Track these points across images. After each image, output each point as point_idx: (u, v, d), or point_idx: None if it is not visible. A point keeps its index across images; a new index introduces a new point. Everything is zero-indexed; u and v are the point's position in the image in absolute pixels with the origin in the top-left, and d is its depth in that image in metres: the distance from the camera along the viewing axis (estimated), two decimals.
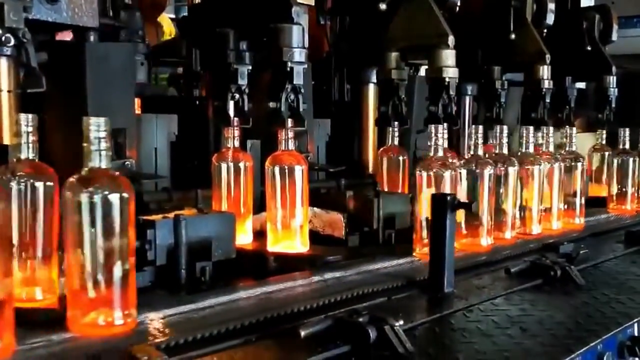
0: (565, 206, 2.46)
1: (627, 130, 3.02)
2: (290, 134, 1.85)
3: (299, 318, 1.31)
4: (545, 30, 3.13)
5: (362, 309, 1.31)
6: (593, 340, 1.39)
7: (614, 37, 3.28)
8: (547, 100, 2.98)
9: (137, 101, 2.10)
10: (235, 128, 1.94)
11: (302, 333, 1.20)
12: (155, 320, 1.25)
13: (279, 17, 1.98)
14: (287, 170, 1.83)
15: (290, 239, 1.84)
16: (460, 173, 1.92)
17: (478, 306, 1.56)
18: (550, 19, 3.11)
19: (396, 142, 2.48)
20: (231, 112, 2.11)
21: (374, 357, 1.20)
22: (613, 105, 3.22)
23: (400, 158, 2.46)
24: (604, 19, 3.21)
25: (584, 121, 4.53)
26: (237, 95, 1.98)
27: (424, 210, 1.84)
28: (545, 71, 2.93)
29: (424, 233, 1.84)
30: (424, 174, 1.87)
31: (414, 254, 1.88)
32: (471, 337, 1.35)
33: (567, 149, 2.57)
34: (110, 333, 1.16)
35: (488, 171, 2.01)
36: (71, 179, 1.20)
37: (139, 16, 2.35)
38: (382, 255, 1.86)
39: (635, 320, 1.60)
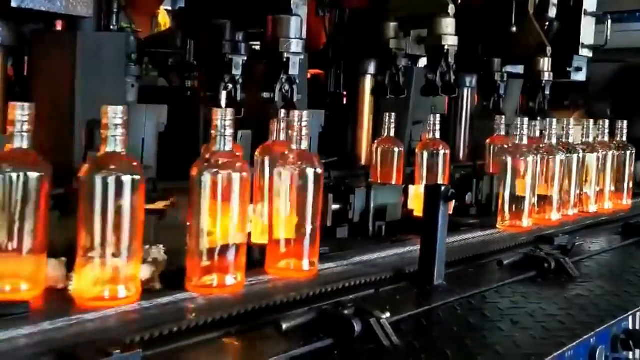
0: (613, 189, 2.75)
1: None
2: (283, 125, 1.81)
3: (283, 310, 1.28)
4: (547, 24, 3.08)
5: (347, 301, 1.28)
6: (586, 333, 1.36)
7: (552, 13, 3.06)
8: (547, 92, 2.94)
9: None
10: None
11: (284, 326, 1.17)
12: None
13: (278, 8, 1.96)
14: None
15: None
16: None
17: (468, 299, 1.52)
18: (552, 12, 3.07)
19: (392, 134, 2.44)
20: (223, 102, 2.09)
21: (358, 350, 1.17)
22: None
23: (395, 149, 2.42)
24: None
25: (582, 114, 4.50)
26: (230, 86, 1.95)
27: (507, 189, 2.16)
28: (545, 63, 2.89)
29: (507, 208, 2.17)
30: (509, 158, 2.17)
31: (497, 226, 2.16)
32: (460, 330, 1.32)
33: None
34: (299, 277, 1.45)
35: (559, 157, 2.34)
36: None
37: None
38: (373, 245, 1.83)
39: (629, 313, 1.57)
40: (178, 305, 1.24)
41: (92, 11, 1.70)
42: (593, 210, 2.60)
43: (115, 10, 2.01)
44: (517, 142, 2.19)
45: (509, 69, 3.22)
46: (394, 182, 2.37)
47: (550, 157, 2.31)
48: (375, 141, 2.49)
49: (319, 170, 1.51)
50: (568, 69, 3.17)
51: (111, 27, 1.98)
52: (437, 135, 2.35)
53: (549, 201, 2.31)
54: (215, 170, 1.33)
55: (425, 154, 2.35)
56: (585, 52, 3.24)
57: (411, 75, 2.74)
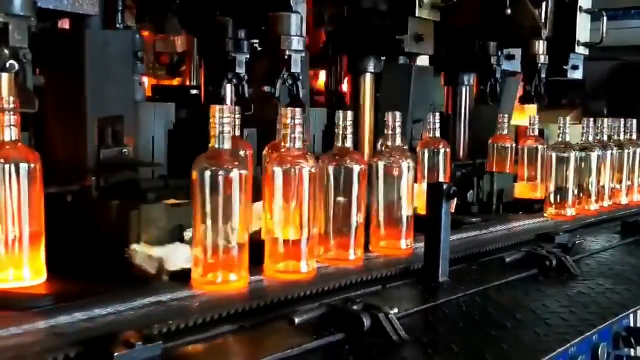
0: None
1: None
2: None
3: (295, 305, 1.31)
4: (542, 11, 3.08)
5: (356, 297, 1.31)
6: (589, 330, 1.39)
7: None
8: (543, 75, 2.98)
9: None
10: (237, 116, 1.91)
11: (296, 320, 1.19)
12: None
13: (278, 5, 1.97)
14: None
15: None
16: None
17: (473, 295, 1.55)
18: None
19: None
20: (228, 99, 2.10)
21: (368, 345, 1.20)
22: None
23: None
24: None
25: (580, 112, 4.53)
26: (234, 81, 1.96)
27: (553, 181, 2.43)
28: (541, 46, 2.94)
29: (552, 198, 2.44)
30: (554, 154, 2.42)
31: (544, 215, 2.42)
32: (466, 326, 1.35)
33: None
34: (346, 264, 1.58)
35: (596, 153, 2.62)
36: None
37: None
38: None
39: (631, 311, 1.60)
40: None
41: (98, 9, 1.73)
42: (625, 202, 2.87)
43: (120, 8, 2.03)
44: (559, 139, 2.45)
45: (506, 67, 3.26)
46: None
47: (590, 152, 2.59)
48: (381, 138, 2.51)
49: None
50: (565, 67, 3.15)
51: (117, 25, 2.00)
52: (438, 134, 2.38)
53: (587, 193, 2.61)
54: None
55: (427, 153, 2.38)
56: (581, 50, 3.20)
57: (410, 73, 2.76)
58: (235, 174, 1.37)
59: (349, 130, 1.61)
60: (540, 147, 2.69)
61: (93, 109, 1.72)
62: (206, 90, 2.21)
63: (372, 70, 2.69)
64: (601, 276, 1.83)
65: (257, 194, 1.87)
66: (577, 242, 2.10)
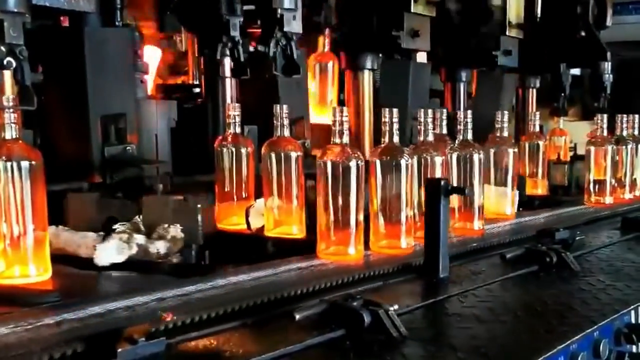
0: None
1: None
2: (286, 121, 1.83)
3: (295, 302, 1.31)
4: (538, 16, 3.14)
5: (356, 293, 1.31)
6: (589, 327, 1.38)
7: (609, 22, 3.24)
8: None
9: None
10: (237, 112, 1.91)
11: (297, 316, 1.20)
12: None
13: None
14: (283, 157, 1.82)
15: (287, 224, 1.83)
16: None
17: (473, 292, 1.55)
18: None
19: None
20: (227, 66, 2.05)
21: (369, 341, 1.20)
22: (608, 91, 3.23)
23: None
24: (599, 4, 3.18)
25: (579, 109, 4.52)
26: (229, 44, 1.92)
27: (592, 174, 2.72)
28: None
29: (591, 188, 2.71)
30: (592, 148, 2.70)
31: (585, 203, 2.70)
32: (465, 322, 1.35)
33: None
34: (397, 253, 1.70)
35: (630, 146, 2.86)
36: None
37: None
38: None
39: (632, 307, 1.60)
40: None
41: (95, 7, 1.73)
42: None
43: (118, 6, 2.03)
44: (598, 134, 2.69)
45: (505, 62, 3.25)
46: None
47: (622, 147, 2.82)
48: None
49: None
50: (494, 53, 2.94)
51: (116, 22, 2.00)
52: (444, 130, 2.38)
53: (621, 184, 2.85)
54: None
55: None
56: (514, 33, 3.01)
57: (407, 69, 2.76)
58: (353, 164, 1.60)
59: (395, 126, 1.71)
60: (540, 143, 2.71)
61: (95, 107, 1.73)
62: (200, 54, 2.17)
63: (369, 67, 2.68)
64: (601, 272, 1.83)
65: (258, 191, 1.89)
66: (577, 239, 2.10)
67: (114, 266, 1.51)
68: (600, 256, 2.04)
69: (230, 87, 2.20)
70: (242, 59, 1.94)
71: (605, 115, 2.74)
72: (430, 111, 1.95)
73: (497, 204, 2.25)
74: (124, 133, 1.78)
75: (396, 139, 1.70)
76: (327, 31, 2.63)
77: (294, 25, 1.99)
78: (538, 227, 2.18)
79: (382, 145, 1.72)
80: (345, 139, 1.62)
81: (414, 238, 1.72)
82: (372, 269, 1.58)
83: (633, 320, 1.65)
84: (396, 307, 1.28)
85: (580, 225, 2.45)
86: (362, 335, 1.21)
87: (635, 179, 2.94)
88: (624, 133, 2.85)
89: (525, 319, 1.40)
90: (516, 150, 2.29)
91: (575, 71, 3.63)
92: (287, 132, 1.84)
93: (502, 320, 1.37)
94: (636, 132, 2.97)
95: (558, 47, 3.15)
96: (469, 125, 1.88)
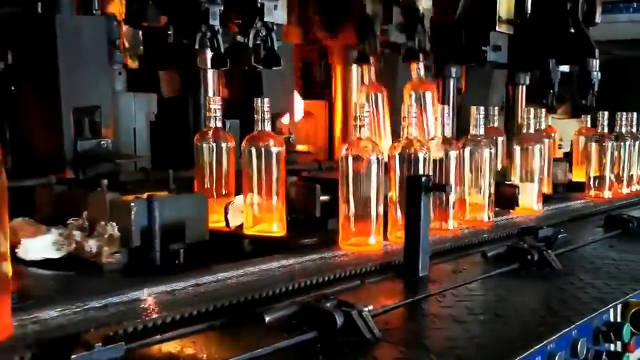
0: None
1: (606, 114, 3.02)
2: (267, 115, 1.81)
3: (268, 303, 1.28)
4: (528, 12, 3.11)
5: (330, 294, 1.29)
6: (566, 326, 1.37)
7: (598, 19, 3.22)
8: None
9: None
10: (217, 105, 1.87)
11: (267, 318, 1.17)
12: None
13: None
14: (263, 152, 1.79)
15: (267, 221, 1.81)
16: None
17: (452, 291, 1.53)
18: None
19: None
20: (208, 57, 2.02)
21: (341, 342, 1.18)
22: (596, 89, 3.18)
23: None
24: (588, 1, 3.17)
25: (569, 107, 4.51)
26: (208, 33, 1.88)
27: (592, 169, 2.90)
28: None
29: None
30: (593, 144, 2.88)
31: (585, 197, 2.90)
32: (442, 323, 1.33)
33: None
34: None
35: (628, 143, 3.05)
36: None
37: None
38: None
39: (610, 306, 1.58)
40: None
41: None
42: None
43: None
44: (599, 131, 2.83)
45: (494, 58, 3.23)
46: None
47: (621, 143, 2.98)
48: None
49: None
50: (483, 48, 2.91)
51: (93, 11, 1.95)
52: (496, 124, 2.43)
53: (619, 179, 3.01)
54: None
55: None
56: (504, 28, 2.99)
57: (395, 64, 2.74)
58: (374, 158, 1.69)
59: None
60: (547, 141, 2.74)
61: (68, 99, 1.69)
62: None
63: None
64: (582, 270, 1.81)
65: (239, 187, 1.86)
66: (560, 236, 2.08)
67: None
68: (582, 254, 2.03)
69: (212, 79, 2.17)
70: (221, 49, 1.90)
71: (606, 113, 2.91)
72: (482, 108, 2.16)
73: (523, 199, 2.38)
74: (98, 127, 1.74)
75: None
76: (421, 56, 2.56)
77: (276, 16, 1.96)
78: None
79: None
80: (366, 133, 1.73)
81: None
82: (350, 268, 1.56)
83: (612, 319, 1.65)
84: (370, 307, 1.25)
85: (565, 223, 2.44)
86: (335, 337, 1.19)
87: (632, 174, 3.11)
88: (623, 130, 3.03)
89: (503, 319, 1.38)
90: (542, 146, 2.46)
91: (565, 68, 3.61)
92: (268, 127, 1.81)
93: (479, 320, 1.36)
94: (634, 130, 3.15)
95: (547, 43, 3.12)
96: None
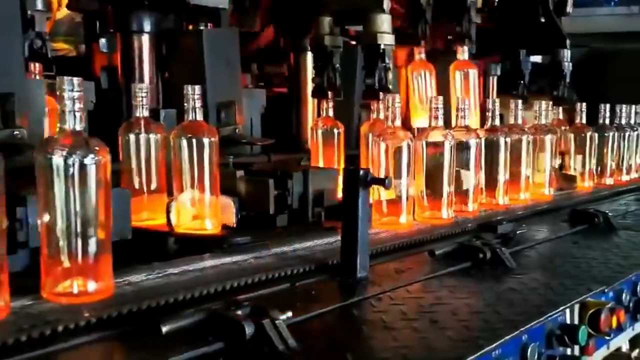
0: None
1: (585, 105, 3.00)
2: (198, 103, 1.67)
3: (174, 311, 1.15)
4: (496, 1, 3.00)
5: (243, 300, 1.16)
6: (509, 333, 1.24)
7: (569, 9, 3.15)
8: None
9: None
10: (144, 93, 1.73)
11: (164, 329, 1.04)
12: None
13: None
14: (195, 143, 1.65)
15: (201, 218, 1.67)
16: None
17: (389, 293, 1.41)
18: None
19: (330, 113, 2.31)
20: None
21: (250, 355, 1.05)
22: (567, 80, 3.10)
23: (335, 130, 2.30)
24: None
25: (548, 99, 4.43)
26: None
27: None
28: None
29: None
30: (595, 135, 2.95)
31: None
32: (370, 330, 1.20)
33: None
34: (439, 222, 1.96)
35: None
36: None
37: None
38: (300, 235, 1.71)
39: (562, 308, 1.46)
40: None
41: None
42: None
43: None
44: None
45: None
46: (335, 165, 2.25)
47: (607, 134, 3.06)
48: (313, 122, 2.36)
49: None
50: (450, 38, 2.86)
51: None
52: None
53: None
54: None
55: (370, 136, 2.25)
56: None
57: (355, 55, 2.61)
58: (405, 144, 1.88)
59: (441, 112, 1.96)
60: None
61: None
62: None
63: None
64: (538, 269, 1.70)
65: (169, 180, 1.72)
66: (519, 232, 1.97)
67: None
68: (542, 251, 1.91)
69: (147, 65, 2.03)
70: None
71: (584, 104, 2.91)
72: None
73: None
74: (12, 116, 1.60)
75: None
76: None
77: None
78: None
79: None
80: (398, 122, 1.87)
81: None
82: (281, 269, 1.43)
83: (568, 321, 1.53)
84: (289, 315, 1.13)
85: (531, 217, 2.33)
86: (243, 349, 1.06)
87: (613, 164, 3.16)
88: (607, 122, 3.08)
89: (440, 325, 1.25)
90: (555, 136, 2.60)
91: (538, 59, 3.51)
92: (200, 116, 1.67)
93: (413, 327, 1.23)
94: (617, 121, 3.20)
95: (517, 33, 3.03)
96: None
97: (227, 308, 1.11)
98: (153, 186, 1.73)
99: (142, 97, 1.70)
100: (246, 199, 1.82)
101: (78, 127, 1.15)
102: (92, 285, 1.16)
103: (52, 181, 1.13)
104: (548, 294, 1.49)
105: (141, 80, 2.00)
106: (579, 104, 2.98)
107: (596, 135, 2.97)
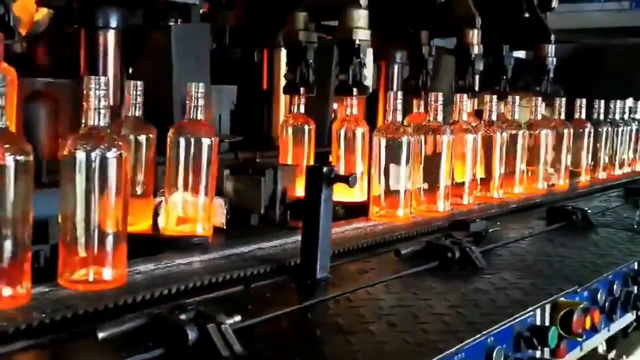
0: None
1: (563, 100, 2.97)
2: (201, 102, 1.60)
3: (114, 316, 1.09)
4: None
5: (189, 304, 1.10)
6: (471, 336, 1.19)
7: (554, 4, 3.12)
8: (477, 67, 2.78)
9: None
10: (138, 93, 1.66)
11: (100, 335, 0.98)
12: None
13: None
14: (193, 142, 1.57)
15: (193, 221, 1.60)
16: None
17: (349, 295, 1.35)
18: None
19: (302, 110, 2.26)
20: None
21: None
22: (551, 75, 3.06)
23: (306, 127, 2.24)
24: None
25: (526, 94, 4.40)
26: None
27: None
28: (475, 36, 2.73)
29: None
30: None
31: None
32: (324, 334, 1.15)
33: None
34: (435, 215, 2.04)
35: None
36: None
37: None
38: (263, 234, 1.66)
39: (532, 308, 1.42)
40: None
41: None
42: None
43: None
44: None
45: (443, 43, 3.07)
46: (305, 162, 2.20)
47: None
48: (283, 118, 2.31)
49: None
50: None
51: None
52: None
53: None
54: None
55: (342, 132, 2.20)
56: None
57: (331, 50, 2.56)
58: (404, 139, 1.93)
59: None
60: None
61: None
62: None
63: None
64: (509, 268, 1.65)
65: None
66: (491, 230, 1.92)
67: None
68: (515, 250, 1.86)
69: (112, 62, 1.97)
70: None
71: (563, 99, 2.90)
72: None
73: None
74: None
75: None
76: None
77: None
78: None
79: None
80: (399, 117, 1.93)
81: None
82: (235, 271, 1.37)
83: (539, 322, 1.48)
84: (236, 319, 1.07)
85: (507, 214, 2.29)
86: (186, 355, 1.01)
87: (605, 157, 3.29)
88: (601, 117, 3.24)
89: (398, 328, 1.20)
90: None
91: (522, 54, 3.48)
92: (200, 115, 1.60)
93: (369, 330, 1.17)
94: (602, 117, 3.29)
95: (500, 28, 2.97)
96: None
97: (171, 312, 1.05)
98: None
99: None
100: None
101: (102, 124, 1.21)
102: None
103: (74, 175, 1.19)
104: (517, 295, 1.44)
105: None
106: (557, 100, 2.94)
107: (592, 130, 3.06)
